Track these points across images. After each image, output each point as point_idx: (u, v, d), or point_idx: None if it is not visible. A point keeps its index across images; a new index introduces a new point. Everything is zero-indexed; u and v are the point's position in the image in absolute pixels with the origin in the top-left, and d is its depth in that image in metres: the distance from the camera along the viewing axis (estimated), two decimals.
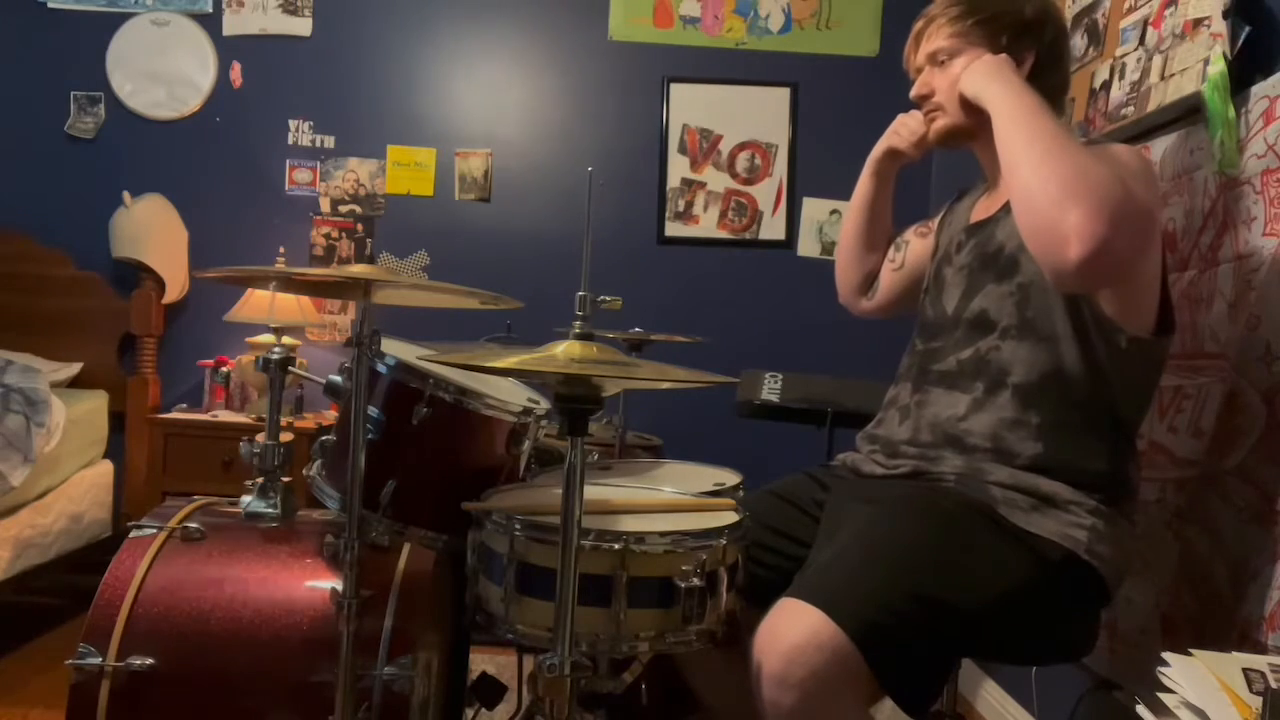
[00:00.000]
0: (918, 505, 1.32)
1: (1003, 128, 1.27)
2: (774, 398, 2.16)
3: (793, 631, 1.14)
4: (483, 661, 2.16)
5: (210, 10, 3.32)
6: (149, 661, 1.33)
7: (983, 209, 1.49)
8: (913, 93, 1.47)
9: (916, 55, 1.47)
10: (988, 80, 1.32)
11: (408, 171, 3.34)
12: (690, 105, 3.34)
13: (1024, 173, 1.21)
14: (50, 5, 3.30)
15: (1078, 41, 2.09)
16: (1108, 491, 1.31)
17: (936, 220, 1.67)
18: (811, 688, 1.12)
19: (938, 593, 1.20)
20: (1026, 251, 1.29)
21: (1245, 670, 0.92)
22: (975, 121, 1.39)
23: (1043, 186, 1.18)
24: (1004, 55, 1.35)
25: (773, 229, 3.36)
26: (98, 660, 1.33)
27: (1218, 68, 1.46)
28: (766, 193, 3.35)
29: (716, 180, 3.35)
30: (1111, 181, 1.15)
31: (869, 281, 1.77)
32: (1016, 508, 1.29)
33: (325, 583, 1.39)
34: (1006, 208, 1.39)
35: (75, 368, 3.11)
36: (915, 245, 1.70)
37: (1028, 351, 1.33)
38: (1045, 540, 1.27)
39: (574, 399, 1.04)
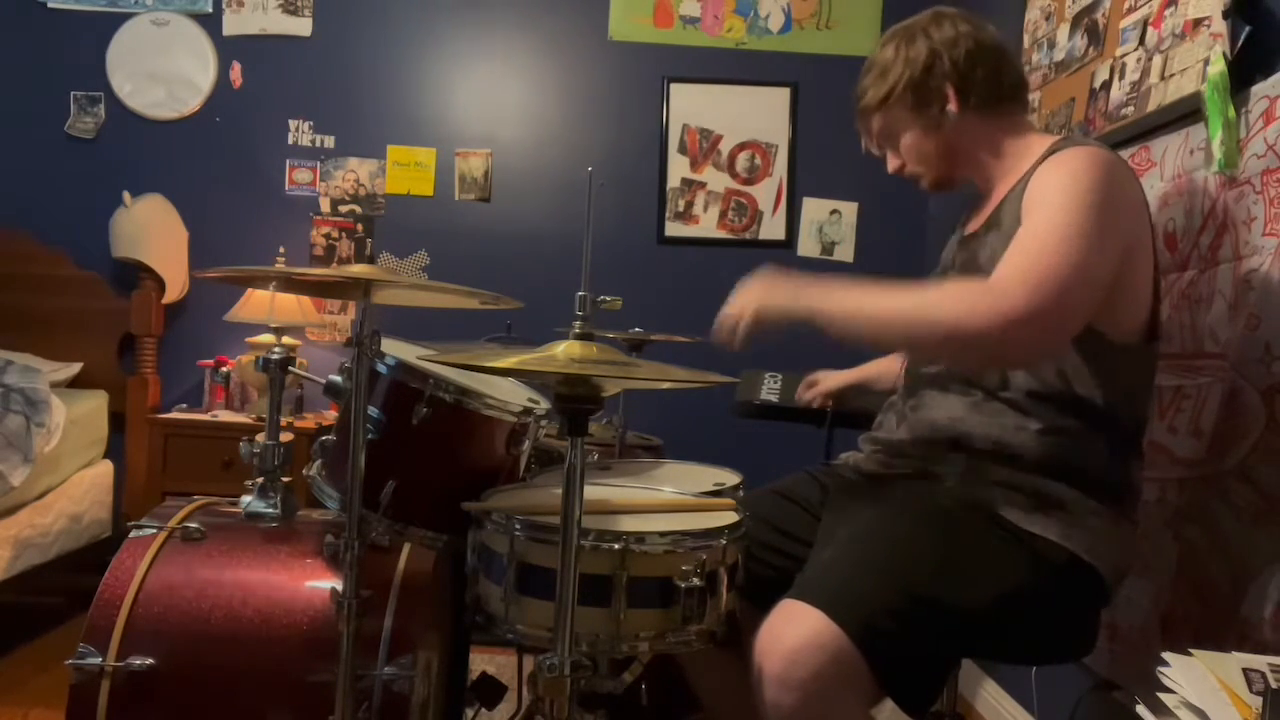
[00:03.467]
0: (918, 506, 1.32)
1: (859, 329, 1.26)
2: (774, 398, 2.15)
3: (794, 633, 1.14)
4: (483, 661, 2.16)
5: (210, 10, 3.32)
6: (149, 661, 1.33)
7: (976, 218, 1.49)
8: (890, 169, 1.53)
9: (871, 140, 1.53)
10: (792, 302, 1.31)
11: (408, 171, 3.34)
12: (690, 105, 3.34)
13: (921, 348, 1.31)
14: (50, 5, 3.30)
15: (1078, 42, 2.09)
16: (1109, 493, 1.31)
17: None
18: (813, 689, 1.12)
19: (938, 593, 1.20)
20: None
21: (1245, 670, 0.92)
22: (952, 167, 1.46)
23: (945, 347, 1.25)
24: (770, 278, 1.35)
25: (773, 229, 3.35)
26: (98, 660, 1.33)
27: (1218, 68, 1.46)
28: (766, 193, 3.35)
29: (716, 180, 3.35)
30: (961, 298, 1.20)
31: None
32: (1017, 508, 1.29)
33: (325, 583, 1.39)
34: (988, 224, 1.40)
35: (75, 368, 3.11)
36: None
37: (1022, 370, 1.32)
38: (1046, 541, 1.27)
39: (574, 399, 1.04)
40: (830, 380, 1.98)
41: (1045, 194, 1.26)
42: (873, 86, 1.47)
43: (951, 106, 1.41)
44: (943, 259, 1.57)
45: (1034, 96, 2.31)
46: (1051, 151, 1.32)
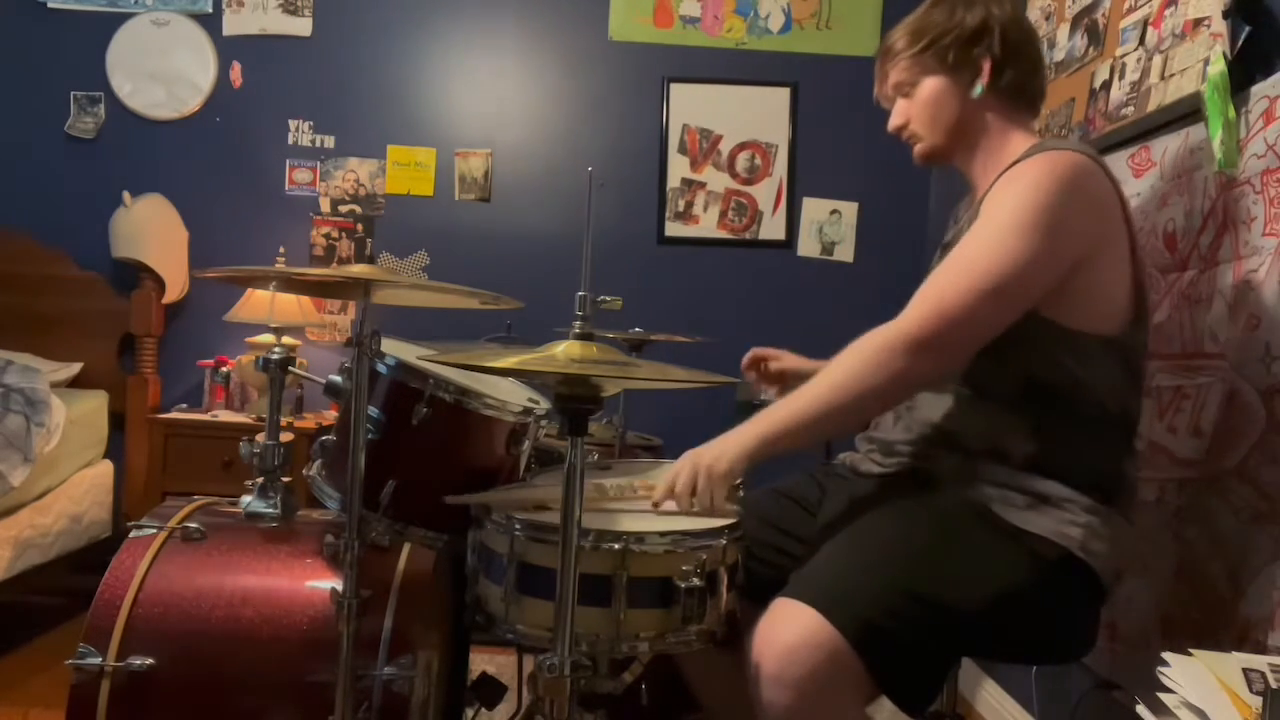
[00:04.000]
0: (914, 504, 1.32)
1: (809, 432, 1.28)
2: (774, 398, 2.15)
3: (788, 631, 1.14)
4: (483, 661, 2.16)
5: (210, 10, 3.32)
6: (149, 661, 1.33)
7: (963, 221, 1.49)
8: (890, 125, 1.50)
9: (885, 87, 1.50)
10: (740, 444, 1.29)
11: (408, 171, 3.34)
12: (690, 105, 3.34)
13: (864, 414, 1.38)
14: (50, 5, 3.30)
15: (1078, 42, 2.09)
16: (1104, 489, 1.31)
17: None
18: (808, 687, 1.12)
19: (933, 592, 1.20)
20: None
21: (1245, 670, 0.92)
22: (951, 140, 1.45)
23: (881, 403, 1.35)
24: (709, 456, 1.30)
25: (773, 229, 3.35)
26: (98, 660, 1.33)
27: (1218, 68, 1.46)
28: (766, 193, 3.35)
29: (716, 180, 3.35)
30: (868, 364, 1.26)
31: None
32: (1012, 506, 1.29)
33: (325, 583, 1.39)
34: (966, 227, 1.40)
35: (75, 368, 3.11)
36: None
37: (1001, 367, 1.32)
38: (1041, 538, 1.26)
39: (574, 399, 1.04)
40: (786, 361, 1.80)
41: (995, 207, 1.29)
42: (912, 33, 1.44)
43: (982, 80, 1.40)
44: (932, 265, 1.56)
45: None
46: (1024, 156, 1.33)
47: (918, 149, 1.49)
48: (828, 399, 1.27)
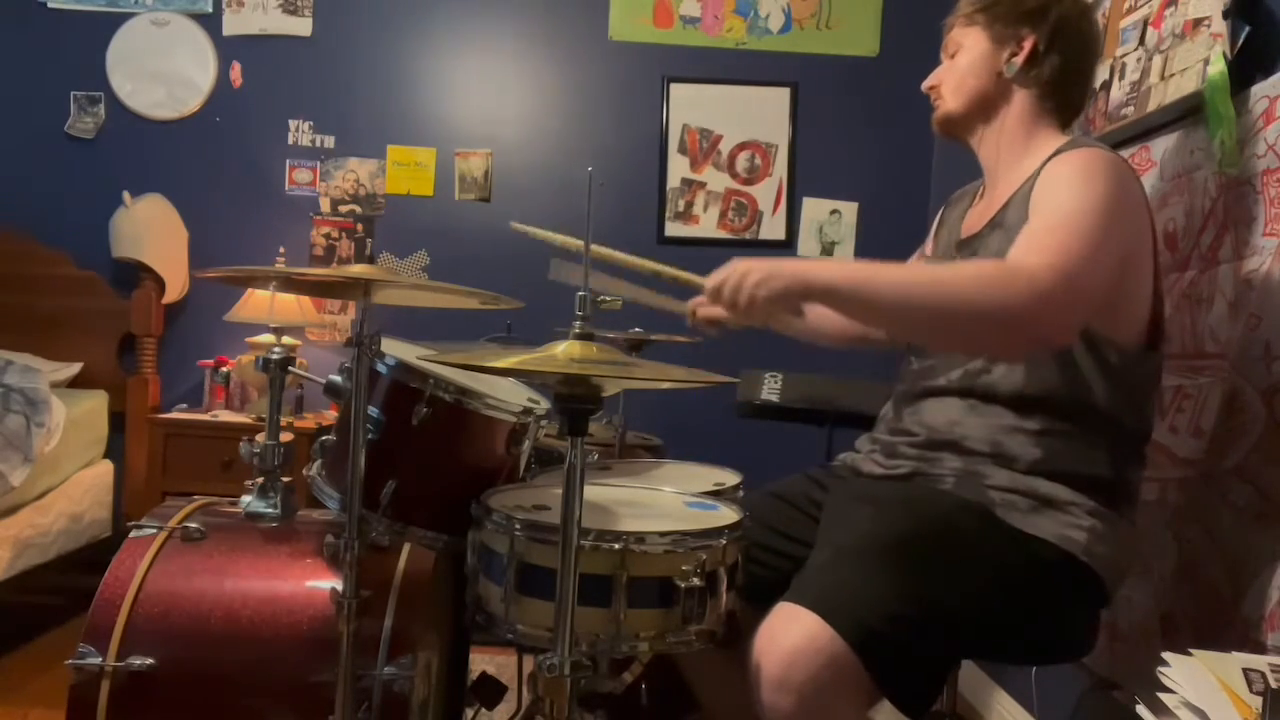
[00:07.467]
0: (915, 508, 1.31)
1: (878, 304, 1.17)
2: (774, 398, 2.16)
3: (790, 636, 1.14)
4: (483, 661, 2.16)
5: (210, 10, 3.32)
6: (149, 661, 1.33)
7: (974, 219, 1.48)
8: (924, 84, 1.49)
9: (945, 51, 1.48)
10: (803, 272, 1.18)
11: (408, 171, 3.34)
12: (690, 105, 3.34)
13: (946, 329, 1.19)
14: (50, 5, 3.30)
15: None
16: (1108, 493, 1.31)
17: (931, 234, 1.66)
18: (810, 692, 1.12)
19: (936, 596, 1.20)
20: None
21: (1245, 670, 0.92)
22: (970, 111, 1.42)
23: (973, 327, 1.16)
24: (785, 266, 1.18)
25: (773, 229, 3.35)
26: (98, 660, 1.33)
27: (1218, 68, 1.46)
28: (766, 193, 3.35)
29: (716, 180, 3.35)
30: (991, 280, 1.14)
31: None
32: (1015, 509, 1.29)
33: (325, 583, 1.39)
34: (992, 224, 1.39)
35: (75, 368, 3.11)
36: None
37: (1020, 374, 1.31)
38: (1043, 542, 1.26)
39: (574, 399, 1.04)
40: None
41: (1057, 184, 1.26)
42: None
43: (1019, 58, 1.38)
44: (937, 257, 1.56)
45: None
46: (1059, 151, 1.32)
47: (936, 113, 1.47)
48: (927, 288, 1.15)
